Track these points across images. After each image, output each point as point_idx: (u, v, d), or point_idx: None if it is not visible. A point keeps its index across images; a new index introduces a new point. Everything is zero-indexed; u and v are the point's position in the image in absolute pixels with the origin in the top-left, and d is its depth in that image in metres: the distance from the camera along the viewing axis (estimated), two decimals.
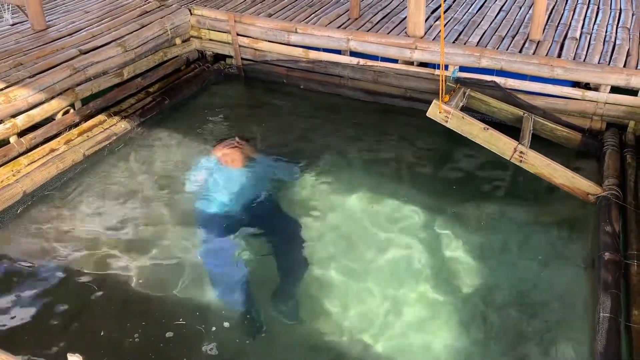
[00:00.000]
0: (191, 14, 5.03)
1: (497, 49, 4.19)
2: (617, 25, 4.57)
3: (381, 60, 4.46)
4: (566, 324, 2.71)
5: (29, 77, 3.84)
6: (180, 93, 4.63)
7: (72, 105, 4.01)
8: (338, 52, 4.58)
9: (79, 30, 4.63)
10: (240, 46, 4.92)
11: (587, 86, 3.99)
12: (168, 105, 4.46)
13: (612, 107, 3.90)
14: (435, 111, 3.56)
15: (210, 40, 5.08)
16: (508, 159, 3.46)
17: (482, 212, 3.43)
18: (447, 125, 3.56)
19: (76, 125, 3.96)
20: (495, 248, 3.17)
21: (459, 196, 3.59)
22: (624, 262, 2.78)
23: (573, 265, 3.06)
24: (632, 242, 2.93)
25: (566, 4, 5.02)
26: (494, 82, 4.07)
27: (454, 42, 4.31)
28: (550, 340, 2.64)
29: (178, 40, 4.96)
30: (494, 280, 2.96)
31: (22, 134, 3.66)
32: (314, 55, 4.66)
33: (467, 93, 4.01)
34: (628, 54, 4.07)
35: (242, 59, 4.98)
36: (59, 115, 3.92)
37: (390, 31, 4.54)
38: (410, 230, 3.30)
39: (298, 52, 4.70)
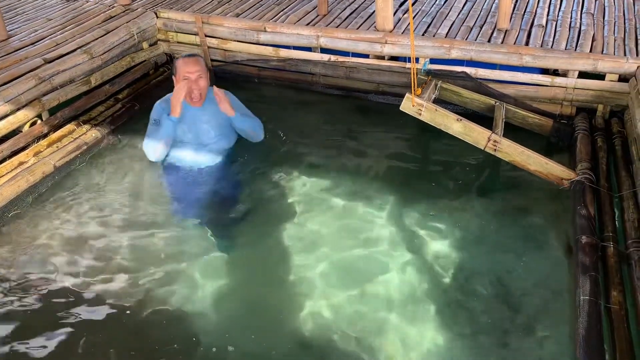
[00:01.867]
0: (157, 17, 4.96)
1: (466, 39, 4.22)
2: (582, 12, 4.65)
3: (352, 56, 4.46)
4: (548, 309, 2.73)
5: None
6: (150, 98, 4.54)
7: (40, 116, 3.92)
8: (308, 49, 4.56)
9: (42, 39, 4.51)
10: (209, 47, 4.87)
11: (555, 72, 4.05)
12: (139, 111, 4.38)
13: (581, 92, 3.96)
14: (409, 105, 3.57)
15: (178, 42, 5.01)
16: (482, 148, 3.48)
17: (460, 203, 3.45)
18: (421, 118, 3.57)
19: (45, 136, 3.86)
20: (474, 239, 3.18)
21: (435, 189, 3.60)
22: (600, 244, 2.83)
23: (552, 251, 3.09)
24: (607, 224, 2.99)
25: None
26: (465, 72, 4.10)
27: (423, 35, 4.33)
28: (533, 327, 2.64)
29: (145, 45, 4.89)
30: (475, 272, 2.96)
31: None
32: (284, 53, 4.63)
33: (438, 85, 4.03)
34: (593, 39, 4.14)
35: (212, 60, 4.92)
36: (26, 127, 3.82)
37: (360, 26, 4.54)
38: (387, 225, 3.29)
39: (268, 51, 4.67)
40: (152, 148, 3.55)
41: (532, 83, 4.06)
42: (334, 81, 4.58)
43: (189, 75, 3.42)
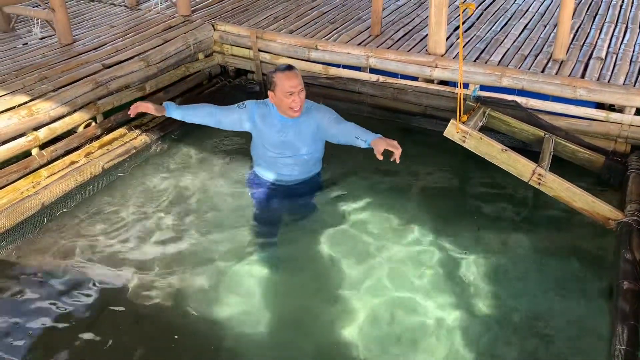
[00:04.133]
0: (214, 29, 5.10)
1: (519, 68, 4.13)
2: None
3: (401, 78, 4.44)
4: (582, 355, 2.63)
5: (53, 90, 3.92)
6: None
7: (94, 119, 4.09)
8: (358, 69, 4.58)
9: (103, 45, 4.72)
10: (261, 62, 4.96)
11: (611, 108, 3.90)
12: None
13: (638, 129, 3.80)
14: (453, 131, 3.52)
15: (232, 55, 5.13)
16: (526, 181, 3.39)
17: (499, 236, 3.36)
18: (465, 145, 3.51)
19: (97, 138, 4.02)
20: (511, 273, 3.09)
21: (475, 219, 3.52)
22: None
23: (592, 295, 2.96)
24: None
25: (593, 22, 4.93)
26: (515, 101, 4.01)
27: (475, 61, 4.26)
28: None
29: (201, 55, 5.03)
30: (510, 307, 2.88)
31: (43, 146, 3.74)
32: (333, 71, 4.66)
33: (487, 112, 3.96)
34: None
35: (263, 74, 5.01)
36: (81, 128, 3.99)
37: (411, 49, 4.52)
38: (425, 253, 3.24)
39: (318, 69, 4.71)
40: (209, 110, 3.53)
41: (585, 117, 3.92)
42: (381, 102, 4.57)
43: (294, 90, 3.21)
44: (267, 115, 3.40)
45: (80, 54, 4.53)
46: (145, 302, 2.88)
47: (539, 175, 3.32)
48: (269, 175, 3.57)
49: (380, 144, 3.00)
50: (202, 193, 3.72)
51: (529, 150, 3.76)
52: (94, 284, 2.98)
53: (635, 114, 3.78)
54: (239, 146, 4.19)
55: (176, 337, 2.68)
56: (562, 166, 3.64)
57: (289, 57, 4.78)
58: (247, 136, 3.84)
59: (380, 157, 3.00)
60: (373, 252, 3.24)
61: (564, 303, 2.91)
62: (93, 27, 5.14)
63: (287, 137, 3.39)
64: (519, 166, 3.38)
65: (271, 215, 3.54)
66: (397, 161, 3.00)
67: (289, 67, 3.28)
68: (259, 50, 4.92)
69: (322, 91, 4.78)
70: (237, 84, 5.12)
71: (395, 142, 2.99)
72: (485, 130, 3.85)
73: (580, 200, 3.25)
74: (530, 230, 3.42)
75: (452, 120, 3.51)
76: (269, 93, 3.32)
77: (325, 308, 2.87)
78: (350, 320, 2.80)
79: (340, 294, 2.95)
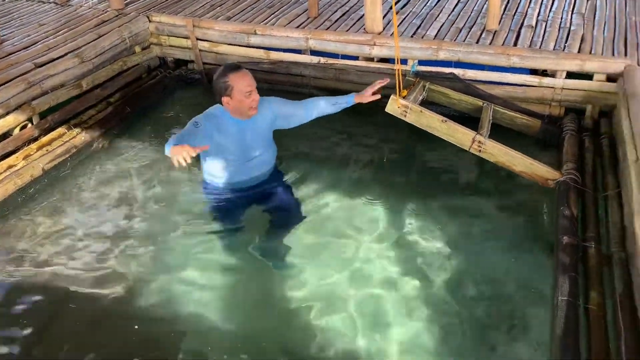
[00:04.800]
0: (150, 21, 4.99)
1: (455, 40, 4.22)
2: (572, 12, 4.63)
3: (342, 58, 4.47)
4: (530, 309, 2.74)
5: None
6: (142, 101, 4.59)
7: (30, 120, 3.95)
8: (299, 51, 4.58)
9: (34, 44, 4.54)
10: (200, 51, 4.89)
11: (544, 73, 4.04)
12: (130, 115, 4.41)
13: (569, 92, 3.95)
14: (394, 106, 3.57)
15: (170, 46, 5.04)
16: (467, 149, 3.48)
17: (446, 204, 3.45)
18: (406, 119, 3.58)
19: (35, 139, 3.89)
20: (460, 239, 3.19)
21: (422, 190, 3.60)
22: (582, 245, 2.82)
23: (536, 251, 3.09)
24: (590, 225, 2.98)
25: None
26: (453, 73, 4.10)
27: (412, 36, 4.33)
28: (514, 327, 2.67)
29: (138, 49, 4.91)
30: (462, 271, 2.98)
31: None
32: (275, 56, 4.65)
33: (426, 86, 4.03)
34: (582, 40, 4.13)
35: (204, 63, 4.95)
36: (16, 131, 3.86)
37: (349, 28, 4.55)
38: (375, 226, 3.30)
39: (259, 54, 4.68)
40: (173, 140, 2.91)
41: (520, 84, 4.05)
42: (324, 83, 4.59)
43: (252, 88, 3.00)
44: (221, 125, 3.07)
45: (10, 54, 4.35)
46: (95, 302, 2.83)
47: (479, 142, 3.42)
48: (237, 184, 3.28)
49: (365, 95, 3.36)
50: (148, 188, 3.66)
51: (470, 120, 3.85)
52: (41, 287, 2.91)
53: (566, 78, 3.93)
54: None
55: (136, 327, 2.65)
56: (501, 133, 3.75)
57: (228, 44, 4.74)
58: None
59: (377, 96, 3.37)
60: (328, 229, 3.28)
61: (511, 263, 3.02)
62: (21, 26, 4.94)
63: (246, 139, 3.17)
64: (459, 135, 3.47)
65: (235, 216, 3.35)
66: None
67: (238, 67, 3.04)
68: (197, 39, 4.84)
69: (265, 77, 4.74)
70: (177, 75, 5.04)
71: (375, 85, 3.31)
72: (427, 103, 3.93)
73: (520, 163, 3.37)
74: (475, 197, 3.53)
75: (392, 96, 3.56)
76: (224, 99, 3.00)
77: (285, 290, 2.90)
78: (311, 299, 2.83)
79: (298, 274, 2.99)
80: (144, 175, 3.78)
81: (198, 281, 2.96)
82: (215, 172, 3.23)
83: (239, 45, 4.71)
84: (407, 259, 3.06)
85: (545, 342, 2.48)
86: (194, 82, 5.03)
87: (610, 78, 3.82)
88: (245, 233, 3.22)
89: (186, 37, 4.88)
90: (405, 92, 3.65)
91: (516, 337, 2.63)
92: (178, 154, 2.53)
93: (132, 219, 3.38)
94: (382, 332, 2.66)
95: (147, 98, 4.66)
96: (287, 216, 3.32)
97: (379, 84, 3.32)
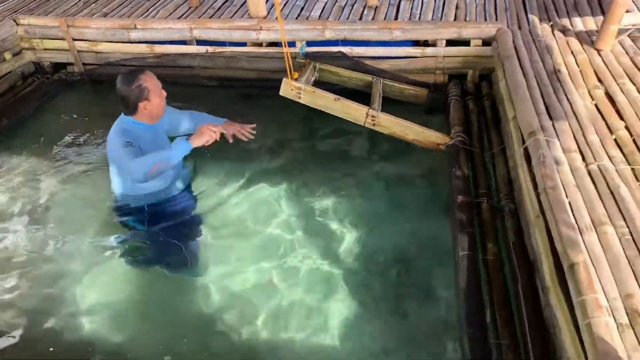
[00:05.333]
0: (17, 24, 4.63)
1: (339, 19, 4.29)
2: None
3: (229, 46, 4.40)
4: (436, 268, 2.87)
5: None
6: (19, 111, 4.27)
7: None
8: (184, 42, 4.45)
9: None
10: (79, 51, 4.62)
11: (425, 44, 4.21)
12: (6, 126, 4.10)
13: (450, 59, 4.15)
14: (288, 89, 3.58)
15: (45, 49, 4.72)
16: (362, 124, 3.57)
17: (347, 180, 3.53)
18: (301, 101, 3.60)
19: None
20: (365, 212, 3.28)
21: (323, 170, 3.66)
22: (475, 201, 2.99)
23: (436, 213, 3.24)
24: (481, 182, 3.17)
25: None
26: (341, 52, 4.17)
27: (296, 18, 4.34)
28: (425, 289, 2.79)
29: (8, 55, 4.56)
30: (369, 243, 3.06)
31: None
32: (159, 49, 4.49)
33: (317, 67, 4.08)
34: (457, 7, 4.33)
35: (84, 64, 4.68)
36: None
37: (233, 15, 4.48)
38: (283, 209, 3.32)
39: (142, 49, 4.50)
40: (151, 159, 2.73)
41: (405, 56, 4.19)
42: (215, 72, 4.50)
43: (161, 87, 2.89)
44: (138, 137, 2.83)
45: None
46: None
47: (372, 116, 3.51)
48: (161, 192, 3.08)
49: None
50: (33, 203, 3.43)
51: (362, 96, 3.94)
52: None
53: (446, 46, 4.12)
54: (61, 139, 4.01)
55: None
56: (393, 105, 3.88)
57: (108, 42, 4.51)
58: (68, 130, 3.61)
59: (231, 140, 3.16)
60: (233, 223, 3.24)
61: (414, 228, 3.15)
62: None
63: (160, 143, 2.97)
64: (353, 112, 3.55)
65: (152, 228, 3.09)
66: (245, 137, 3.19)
67: (141, 70, 2.86)
68: (74, 40, 4.57)
69: (152, 71, 4.57)
70: (57, 79, 4.73)
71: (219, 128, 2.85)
72: (319, 84, 3.97)
73: (412, 132, 3.51)
74: (374, 170, 3.63)
75: (284, 79, 3.57)
76: (142, 104, 2.80)
77: (200, 295, 2.84)
78: (226, 296, 2.81)
79: (211, 276, 2.94)
80: (28, 189, 3.53)
81: (109, 299, 2.82)
82: (138, 189, 3.00)
83: (120, 42, 4.50)
84: (316, 239, 3.10)
85: (451, 296, 2.62)
86: (76, 84, 4.75)
87: (486, 42, 4.05)
88: (156, 245, 3.09)
89: (61, 39, 4.59)
90: (296, 74, 3.66)
91: (427, 298, 2.75)
92: (205, 136, 2.68)
93: (18, 236, 3.15)
94: (296, 312, 2.69)
95: (25, 107, 4.34)
96: (197, 229, 3.17)
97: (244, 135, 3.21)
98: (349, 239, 3.11)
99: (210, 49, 4.39)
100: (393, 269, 2.92)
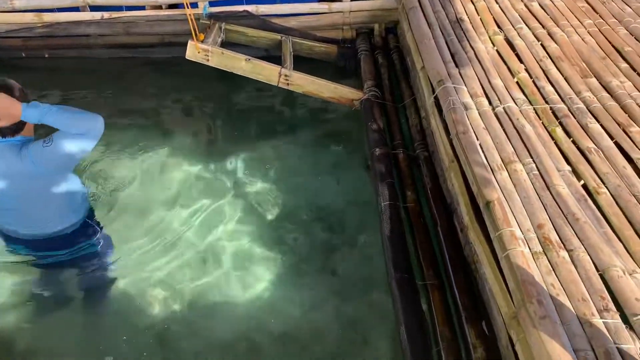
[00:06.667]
0: None
1: None
2: None
3: (127, 10, 4.15)
4: (362, 222, 2.94)
5: None
6: None
7: None
8: (76, 9, 4.14)
9: None
10: None
11: None
12: None
13: (357, 14, 4.17)
14: (194, 52, 3.45)
15: None
16: (276, 84, 3.52)
17: (267, 143, 3.49)
18: (210, 64, 3.49)
19: None
20: (288, 174, 3.27)
21: (241, 135, 3.60)
22: (392, 153, 3.07)
23: (356, 168, 3.30)
24: (396, 133, 3.25)
25: None
26: (246, 11, 4.05)
27: None
28: (352, 242, 2.85)
29: None
30: (295, 204, 3.07)
31: None
32: (49, 18, 4.14)
33: (223, 27, 3.95)
34: None
35: None
36: None
37: None
38: (207, 178, 3.24)
39: (30, 18, 4.14)
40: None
41: (312, 12, 4.15)
42: (114, 40, 4.24)
43: None
44: None
45: None
46: None
47: (285, 76, 3.48)
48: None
49: None
50: None
51: (273, 57, 3.87)
52: None
53: (352, 0, 4.11)
54: None
55: None
56: (305, 64, 3.85)
57: None
58: None
59: None
60: (151, 189, 3.14)
61: (337, 185, 3.19)
62: None
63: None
64: (266, 72, 3.49)
65: None
66: None
67: None
68: None
69: (43, 42, 4.25)
70: None
71: None
72: (227, 45, 3.86)
73: (326, 90, 3.51)
74: (292, 131, 3.63)
75: (189, 42, 3.43)
76: None
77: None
78: (153, 257, 2.73)
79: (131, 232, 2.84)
80: None
81: None
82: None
83: (2, 12, 4.11)
84: (242, 205, 3.06)
85: (377, 244, 2.70)
86: None
87: None
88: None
89: None
90: (202, 36, 3.54)
91: (353, 250, 2.81)
92: None
93: None
94: (226, 279, 2.67)
95: None
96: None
97: None
98: (271, 201, 3.10)
99: (106, 14, 4.12)
100: (318, 226, 2.95)
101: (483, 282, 2.06)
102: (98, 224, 2.69)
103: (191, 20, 3.32)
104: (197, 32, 3.42)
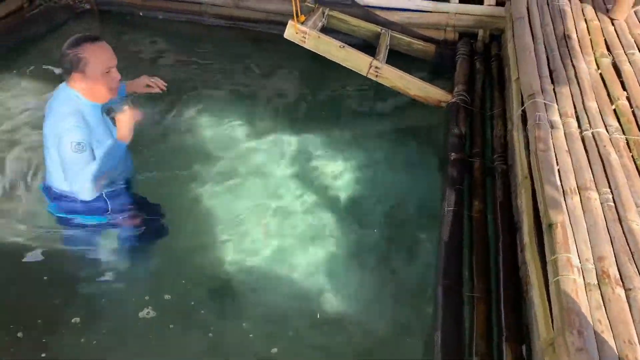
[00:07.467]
0: None
1: None
2: None
3: None
4: (426, 224, 2.90)
5: None
6: (24, 34, 4.25)
7: None
8: None
9: None
10: None
11: None
12: (12, 48, 4.09)
13: (463, 17, 4.08)
14: (292, 32, 3.54)
15: None
16: (365, 74, 3.54)
17: (347, 131, 3.53)
18: (305, 45, 3.57)
19: None
20: (362, 164, 3.28)
21: (326, 117, 3.66)
22: (468, 160, 3.00)
23: (430, 168, 3.25)
24: (477, 141, 3.16)
25: None
26: (353, 0, 4.09)
27: None
28: (411, 241, 2.83)
29: None
30: (362, 193, 3.08)
31: None
32: None
33: (326, 13, 4.01)
34: None
35: None
36: None
37: None
38: (284, 157, 3.32)
39: None
40: (91, 182, 2.41)
41: (417, 9, 4.12)
42: (223, 11, 4.45)
43: (113, 64, 2.44)
44: (86, 113, 2.43)
45: None
46: None
47: (376, 67, 3.48)
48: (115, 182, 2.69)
49: (138, 83, 2.88)
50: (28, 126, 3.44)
51: (369, 47, 3.89)
52: None
53: (460, 2, 4.03)
54: None
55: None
56: (399, 59, 3.84)
57: None
58: None
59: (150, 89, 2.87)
60: (241, 163, 3.25)
61: (408, 183, 3.16)
62: None
63: (109, 126, 2.59)
64: (357, 61, 3.52)
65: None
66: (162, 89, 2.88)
67: (96, 38, 2.43)
68: None
69: (159, 4, 4.54)
70: (65, 5, 4.67)
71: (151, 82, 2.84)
72: (327, 31, 3.92)
73: (414, 87, 3.48)
74: (374, 121, 3.65)
75: (290, 22, 3.52)
76: (75, 75, 2.38)
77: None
78: (222, 225, 2.83)
79: (208, 198, 2.98)
80: (26, 111, 3.54)
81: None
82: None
83: None
84: (312, 186, 3.12)
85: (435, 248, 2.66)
86: (84, 13, 4.70)
87: (500, 2, 3.97)
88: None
89: None
90: (303, 18, 3.62)
91: (414, 251, 2.78)
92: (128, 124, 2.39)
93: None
94: (288, 256, 2.71)
95: (30, 30, 4.32)
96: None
97: (155, 86, 2.86)
98: (343, 190, 3.12)
99: None
100: (382, 219, 2.94)
101: (530, 304, 1.98)
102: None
103: (295, 1, 3.40)
104: (299, 14, 3.50)
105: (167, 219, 2.82)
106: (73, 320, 2.32)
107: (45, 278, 2.51)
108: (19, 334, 2.26)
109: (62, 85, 2.45)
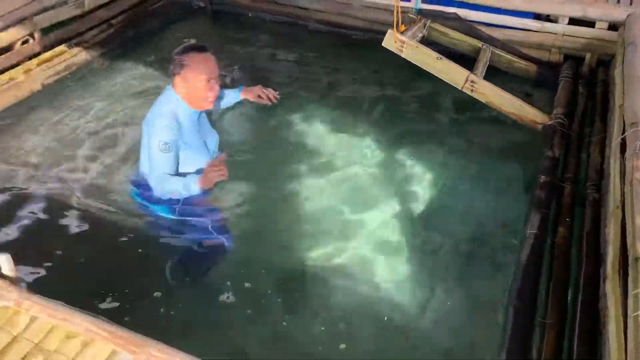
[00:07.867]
0: None
1: None
2: None
3: None
4: (508, 245, 2.82)
5: None
6: (144, 25, 4.60)
7: (32, 35, 3.99)
8: None
9: None
10: None
11: (547, 18, 4.00)
12: (131, 38, 4.44)
13: (570, 39, 3.93)
14: (391, 41, 3.58)
15: None
16: (460, 88, 3.51)
17: (437, 142, 3.50)
18: (402, 55, 3.60)
19: (36, 55, 3.95)
20: (448, 177, 3.25)
21: (416, 128, 3.66)
22: (559, 184, 2.89)
23: (518, 189, 3.16)
24: (570, 167, 3.04)
25: None
26: (456, 14, 4.07)
27: None
28: (492, 260, 2.75)
29: None
30: (447, 208, 3.04)
31: None
32: None
33: (427, 24, 4.02)
34: None
35: None
36: (18, 45, 3.91)
37: None
38: (371, 162, 3.36)
39: None
40: (161, 187, 2.61)
41: (521, 28, 4.02)
42: (326, 17, 4.58)
43: (214, 75, 2.56)
44: (183, 117, 2.59)
45: None
46: (90, 214, 2.91)
47: (472, 82, 3.44)
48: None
49: (252, 91, 3.10)
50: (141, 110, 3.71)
51: (466, 61, 3.85)
52: (37, 198, 2.98)
53: (568, 24, 3.89)
54: None
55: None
56: (497, 76, 3.76)
57: None
58: None
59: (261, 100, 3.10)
60: (329, 163, 3.33)
61: (493, 201, 3.06)
62: None
63: (204, 132, 2.77)
64: (454, 74, 3.49)
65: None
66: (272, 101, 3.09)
67: (203, 47, 2.58)
68: None
69: (267, 7, 4.75)
70: (181, 2, 5.02)
71: (264, 93, 3.06)
72: (427, 42, 3.92)
73: (510, 105, 3.40)
74: (465, 134, 3.58)
75: (389, 31, 3.57)
76: (176, 78, 2.55)
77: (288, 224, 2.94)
78: (306, 236, 2.87)
79: (294, 196, 3.07)
80: (138, 98, 3.83)
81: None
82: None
83: None
84: (397, 193, 3.12)
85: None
86: (199, 11, 5.02)
87: (612, 26, 3.78)
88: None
89: None
90: (403, 28, 3.65)
91: (489, 265, 2.71)
92: (213, 179, 2.44)
93: (125, 137, 3.45)
94: (369, 262, 2.72)
95: (149, 23, 4.67)
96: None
97: (268, 97, 3.11)
98: (426, 198, 3.09)
99: None
100: (464, 237, 2.86)
101: (605, 338, 1.89)
102: None
103: (397, 11, 3.44)
104: (400, 23, 3.54)
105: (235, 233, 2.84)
106: (155, 294, 2.48)
107: (140, 250, 2.69)
108: (108, 299, 2.45)
109: (168, 86, 2.64)
